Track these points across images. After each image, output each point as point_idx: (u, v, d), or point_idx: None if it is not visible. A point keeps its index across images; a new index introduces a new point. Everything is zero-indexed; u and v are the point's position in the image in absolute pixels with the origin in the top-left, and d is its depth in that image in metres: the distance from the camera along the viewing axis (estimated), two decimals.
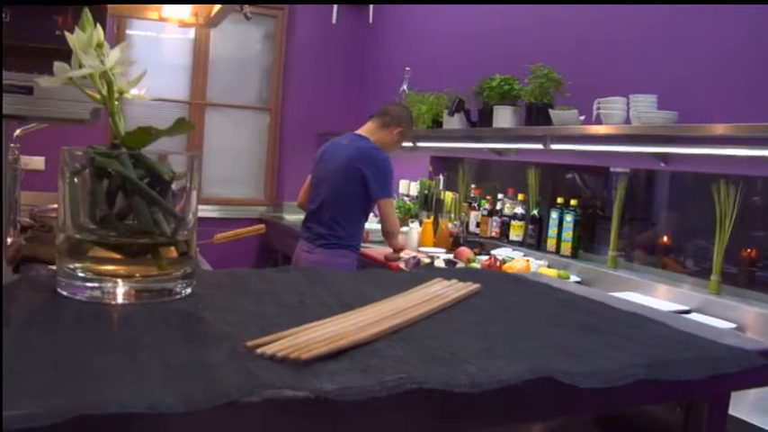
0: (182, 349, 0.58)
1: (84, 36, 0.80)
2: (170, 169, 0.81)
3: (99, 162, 0.76)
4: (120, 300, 0.75)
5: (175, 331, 0.65)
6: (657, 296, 2.68)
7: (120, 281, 0.75)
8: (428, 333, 0.67)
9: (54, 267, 2.19)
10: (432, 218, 3.86)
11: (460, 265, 3.15)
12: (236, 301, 0.78)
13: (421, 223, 3.93)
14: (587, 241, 3.24)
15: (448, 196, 4.04)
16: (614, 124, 2.58)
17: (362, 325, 0.62)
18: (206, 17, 3.49)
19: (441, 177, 4.07)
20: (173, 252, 0.79)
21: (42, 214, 2.96)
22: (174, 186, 0.82)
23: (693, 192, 2.92)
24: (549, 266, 3.20)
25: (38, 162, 4.99)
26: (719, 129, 2.26)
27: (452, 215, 3.96)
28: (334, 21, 5.11)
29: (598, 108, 2.64)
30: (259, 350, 0.57)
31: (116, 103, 0.85)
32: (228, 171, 5.70)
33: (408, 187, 4.59)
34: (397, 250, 3.38)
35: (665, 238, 2.91)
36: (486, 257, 3.18)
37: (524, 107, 3.10)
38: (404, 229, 3.96)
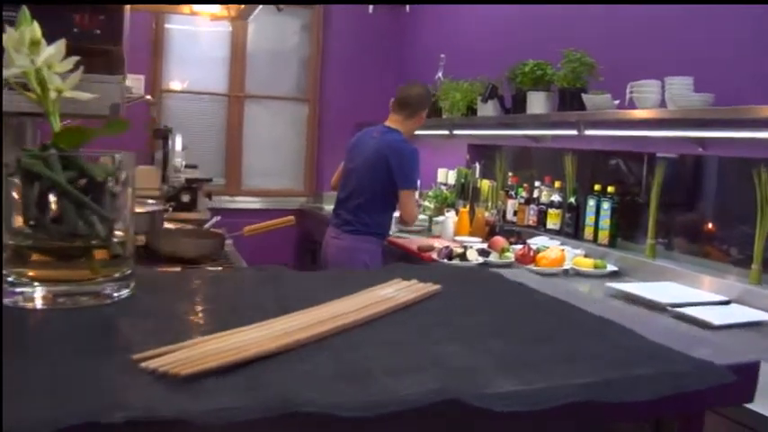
0: (73, 360, 0.56)
1: (16, 35, 0.78)
2: (105, 170, 0.78)
3: (25, 164, 0.74)
4: (38, 305, 0.73)
5: (79, 340, 0.63)
6: (696, 286, 2.58)
7: (38, 286, 0.73)
8: (351, 344, 0.62)
9: None
10: (468, 207, 3.80)
11: (494, 255, 3.09)
12: (167, 306, 0.75)
13: (457, 212, 3.88)
14: (626, 229, 3.14)
15: (485, 184, 3.97)
16: (648, 108, 2.49)
17: (281, 333, 0.59)
18: (237, 10, 3.50)
19: (477, 165, 4.00)
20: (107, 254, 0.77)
21: None
22: (116, 188, 0.79)
23: (736, 177, 2.80)
24: (585, 256, 3.12)
25: None
26: (760, 111, 2.15)
27: (489, 204, 3.89)
28: (370, 10, 5.08)
29: (631, 92, 2.55)
30: (143, 364, 0.54)
31: (52, 101, 0.82)
32: (268, 163, 5.73)
33: (446, 176, 4.53)
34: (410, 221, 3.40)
35: (706, 226, 2.79)
36: (520, 247, 3.11)
37: (557, 92, 3.01)
38: (439, 218, 3.92)
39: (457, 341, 0.68)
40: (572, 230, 3.35)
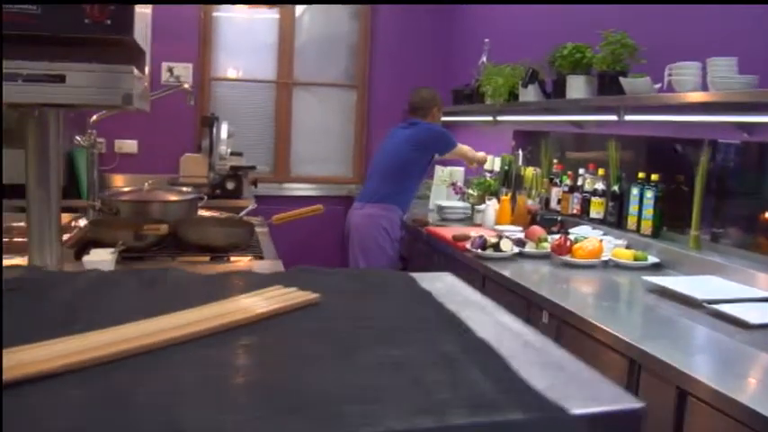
0: None
1: None
2: None
3: None
4: None
5: None
6: (744, 281, 2.42)
7: None
8: (149, 366, 0.57)
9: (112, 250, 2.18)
10: (509, 195, 3.69)
11: (530, 245, 2.99)
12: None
13: (499, 201, 3.78)
14: (671, 220, 2.98)
15: (528, 172, 3.85)
16: (687, 92, 2.34)
17: (82, 349, 0.54)
18: None
19: (520, 152, 3.89)
20: None
21: (111, 197, 3.06)
22: None
23: None
24: (627, 247, 2.98)
25: (131, 146, 5.20)
26: None
27: (533, 192, 3.77)
28: None
29: (669, 74, 2.40)
30: None
31: None
32: (316, 150, 5.72)
33: (492, 163, 4.42)
34: (483, 161, 4.11)
35: (757, 217, 2.62)
36: (557, 237, 3.00)
37: (597, 76, 2.88)
38: (480, 206, 3.83)
39: (280, 369, 0.62)
40: (615, 220, 3.21)
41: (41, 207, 2.08)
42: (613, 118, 2.81)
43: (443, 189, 4.33)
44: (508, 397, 0.61)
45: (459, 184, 4.20)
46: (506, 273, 2.66)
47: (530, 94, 3.40)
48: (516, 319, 1.09)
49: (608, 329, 1.93)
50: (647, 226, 2.99)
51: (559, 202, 3.65)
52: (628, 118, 2.76)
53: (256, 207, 4.68)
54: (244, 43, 5.48)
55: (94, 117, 3.50)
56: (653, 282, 2.41)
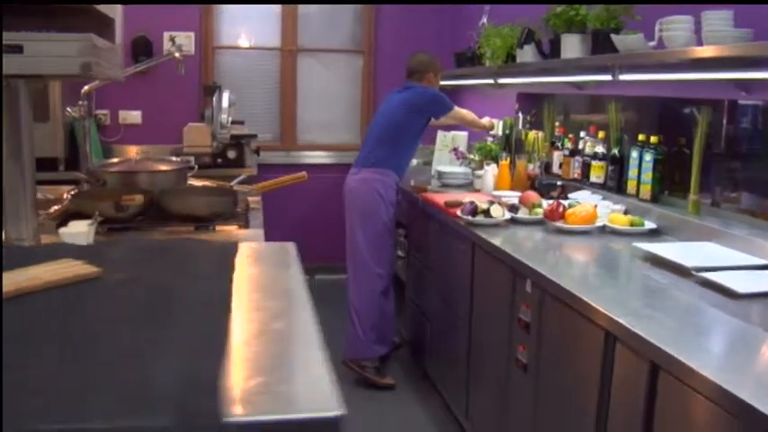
0: None
1: None
2: None
3: None
4: None
5: None
6: (743, 248, 2.30)
7: None
8: None
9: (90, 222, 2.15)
10: (509, 159, 3.59)
11: (523, 211, 2.90)
12: None
13: (499, 165, 3.68)
14: (671, 184, 2.87)
15: (530, 135, 3.74)
16: (679, 47, 2.21)
17: None
18: None
19: (520, 115, 3.77)
20: None
21: (99, 168, 3.03)
22: None
23: None
24: (626, 212, 2.88)
25: (135, 117, 5.17)
26: None
27: (534, 156, 3.66)
28: None
29: (660, 30, 2.28)
30: None
31: None
32: (323, 117, 5.64)
33: (497, 127, 4.31)
34: (489, 127, 4.00)
35: (759, 180, 2.50)
36: (550, 202, 2.89)
37: (590, 34, 2.75)
38: (479, 172, 3.74)
39: None
40: (615, 184, 3.10)
41: (15, 180, 2.05)
42: (608, 78, 2.69)
43: (446, 154, 4.24)
44: (162, 401, 0.57)
45: (461, 149, 4.10)
46: (496, 240, 2.58)
47: (527, 54, 3.28)
48: (312, 314, 1.09)
49: (586, 299, 1.84)
50: (645, 190, 2.88)
51: (561, 166, 3.54)
52: (622, 78, 2.64)
53: (256, 175, 4.65)
54: (247, 10, 5.38)
55: (86, 88, 3.46)
56: (643, 249, 2.31)
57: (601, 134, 3.23)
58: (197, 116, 5.20)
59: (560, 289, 1.99)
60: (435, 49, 4.69)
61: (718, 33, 2.11)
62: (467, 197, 3.11)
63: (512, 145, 3.72)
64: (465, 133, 4.37)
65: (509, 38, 3.47)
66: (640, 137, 2.92)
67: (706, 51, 2.12)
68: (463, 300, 2.93)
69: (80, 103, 3.42)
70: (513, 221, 2.87)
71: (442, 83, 4.74)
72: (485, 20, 3.96)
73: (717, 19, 2.15)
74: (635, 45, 2.43)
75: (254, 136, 4.66)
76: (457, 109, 3.73)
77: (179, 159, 3.23)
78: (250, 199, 3.24)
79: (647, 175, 2.87)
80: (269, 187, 2.84)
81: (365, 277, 3.53)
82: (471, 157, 4.04)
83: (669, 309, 1.80)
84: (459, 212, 2.89)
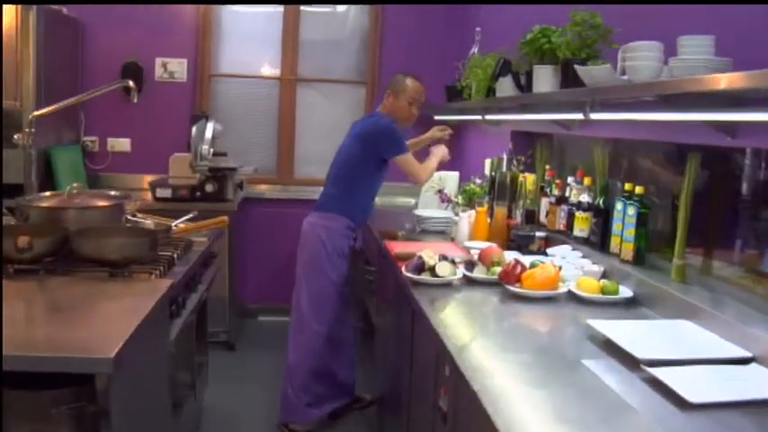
0: None
1: None
2: None
3: None
4: None
5: None
6: (720, 331, 1.84)
7: None
8: None
9: None
10: (485, 206, 3.17)
11: (479, 269, 2.47)
12: None
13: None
14: (658, 242, 2.41)
15: (519, 179, 3.30)
16: (645, 80, 1.79)
17: None
18: None
19: (505, 156, 3.34)
20: None
21: (27, 201, 2.74)
22: None
23: None
24: (604, 275, 2.44)
25: (123, 144, 4.95)
26: None
27: (520, 202, 3.23)
28: None
29: (623, 59, 1.85)
30: None
31: None
32: (322, 149, 5.29)
33: (486, 166, 3.89)
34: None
35: (758, 243, 2.02)
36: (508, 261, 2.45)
37: (560, 65, 2.33)
38: (454, 218, 3.33)
39: None
40: (598, 240, 2.66)
41: None
42: (579, 116, 2.27)
43: (432, 196, 3.83)
44: None
45: (446, 191, 3.69)
46: (431, 305, 2.17)
47: (505, 88, 2.87)
48: None
49: (491, 415, 1.40)
50: (627, 249, 2.43)
51: (547, 215, 3.11)
52: (594, 116, 2.21)
53: (236, 211, 4.33)
54: (246, 39, 5.13)
55: (33, 114, 3.20)
56: (596, 328, 1.87)
57: (586, 180, 2.79)
58: (186, 146, 4.94)
59: (467, 383, 1.56)
60: (438, 81, 4.31)
61: (690, 62, 1.68)
62: (425, 249, 2.69)
63: (495, 189, 3.29)
64: (456, 173, 3.97)
65: (490, 68, 3.07)
66: (627, 186, 2.48)
67: (672, 85, 1.68)
68: (405, 369, 2.52)
69: (26, 130, 3.16)
70: (470, 281, 2.45)
71: (440, 117, 4.37)
72: (475, 50, 3.57)
73: (694, 45, 1.72)
74: (601, 77, 2.00)
75: (235, 169, 4.35)
76: (406, 157, 3.20)
77: (117, 194, 2.92)
78: (197, 239, 2.92)
79: (630, 232, 2.42)
80: (186, 231, 2.51)
81: (302, 333, 3.15)
82: (456, 200, 3.63)
83: (593, 423, 1.36)
84: (403, 269, 2.48)
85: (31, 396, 1.69)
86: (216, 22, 5.05)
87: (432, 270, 2.39)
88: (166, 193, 4.27)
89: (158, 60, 4.90)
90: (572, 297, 2.28)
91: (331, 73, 5.21)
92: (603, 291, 2.25)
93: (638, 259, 2.40)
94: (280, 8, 5.07)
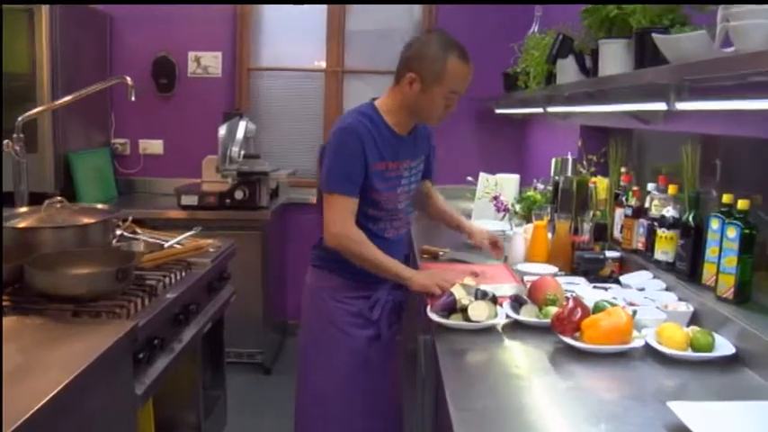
0: None
1: None
2: None
3: None
4: None
5: None
6: None
7: None
8: None
9: None
10: (545, 218, 2.57)
11: (528, 309, 1.90)
12: None
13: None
14: None
15: (602, 184, 2.69)
16: (755, 49, 1.19)
17: None
18: None
19: (569, 157, 2.74)
20: None
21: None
22: None
23: None
24: (694, 318, 1.83)
25: (156, 146, 4.59)
26: None
27: (590, 213, 2.63)
28: None
29: (726, 20, 1.26)
30: None
31: None
32: None
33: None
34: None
35: None
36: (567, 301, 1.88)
37: (634, 38, 1.73)
38: (509, 232, 2.76)
39: None
40: (686, 267, 2.04)
41: None
42: (661, 106, 1.68)
43: (487, 204, 3.25)
44: None
45: (503, 198, 3.11)
46: (455, 361, 1.63)
47: (566, 71, 2.29)
48: None
49: None
50: (727, 283, 1.82)
51: (622, 230, 2.50)
52: (681, 106, 1.61)
53: (269, 220, 3.88)
54: (288, 29, 4.69)
55: (20, 119, 2.82)
56: (672, 408, 1.28)
57: (671, 189, 2.18)
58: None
59: None
60: (495, 71, 3.71)
61: None
62: (467, 276, 2.14)
63: (558, 197, 2.70)
64: (516, 176, 3.37)
65: (548, 49, 2.48)
66: (725, 197, 1.87)
67: None
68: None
69: (15, 135, 2.78)
70: (518, 325, 1.89)
71: (501, 111, 3.79)
72: (535, 28, 2.98)
73: None
74: (693, 49, 1.40)
75: (267, 173, 3.89)
76: (335, 199, 2.07)
77: (103, 208, 2.51)
78: (194, 260, 2.47)
79: (730, 261, 1.80)
80: (156, 260, 2.05)
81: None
82: (513, 209, 3.05)
83: None
84: (429, 308, 1.94)
85: None
86: (255, 11, 4.62)
87: (464, 311, 1.84)
88: (192, 200, 3.86)
89: (191, 54, 4.51)
90: (650, 351, 1.69)
91: (381, 64, 4.69)
92: (694, 345, 1.65)
93: (742, 297, 1.79)
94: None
